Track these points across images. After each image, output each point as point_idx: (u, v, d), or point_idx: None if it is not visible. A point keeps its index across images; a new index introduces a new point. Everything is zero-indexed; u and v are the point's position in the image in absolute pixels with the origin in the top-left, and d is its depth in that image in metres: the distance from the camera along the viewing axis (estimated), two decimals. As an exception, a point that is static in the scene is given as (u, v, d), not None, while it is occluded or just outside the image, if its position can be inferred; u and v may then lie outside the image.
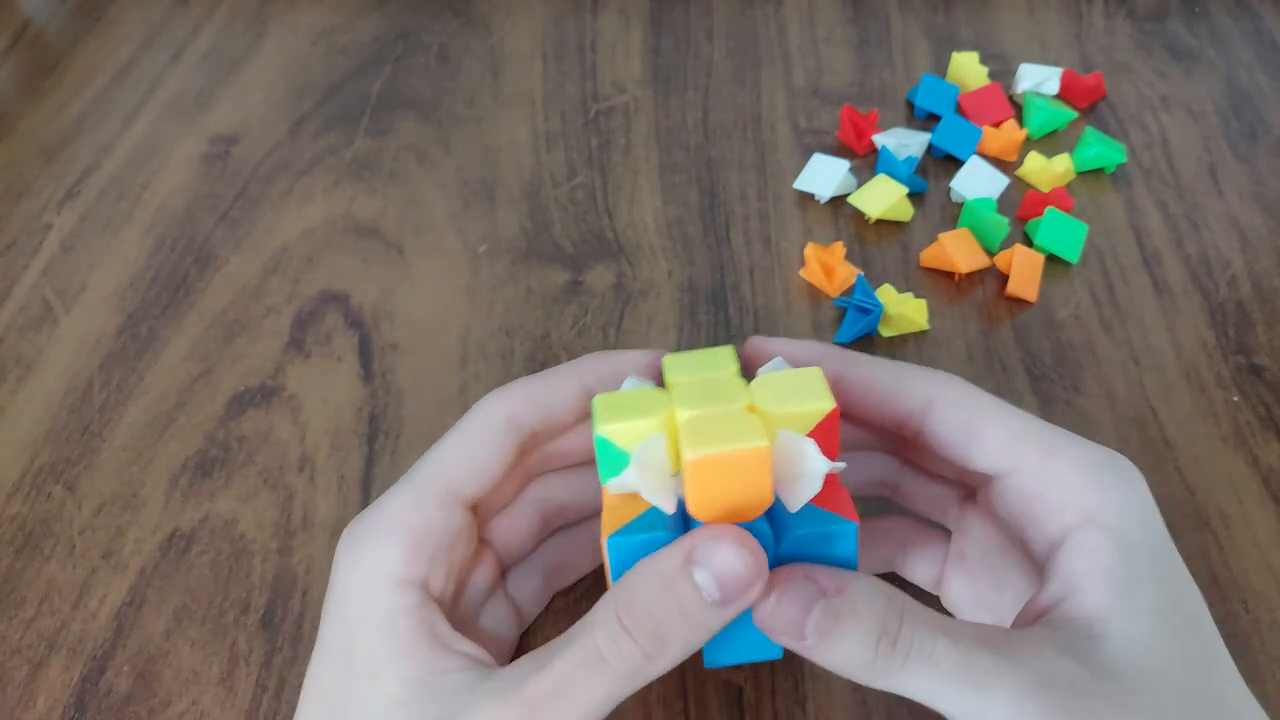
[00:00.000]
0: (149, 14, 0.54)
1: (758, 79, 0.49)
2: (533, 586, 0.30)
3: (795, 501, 0.23)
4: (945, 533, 0.30)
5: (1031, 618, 0.24)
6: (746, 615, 0.23)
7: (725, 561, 0.21)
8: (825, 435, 0.23)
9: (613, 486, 0.24)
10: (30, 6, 0.55)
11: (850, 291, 0.39)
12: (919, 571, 0.30)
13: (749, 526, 0.22)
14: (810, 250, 0.39)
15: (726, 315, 0.39)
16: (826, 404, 0.23)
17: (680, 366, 0.26)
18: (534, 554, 0.30)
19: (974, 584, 0.28)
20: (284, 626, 0.31)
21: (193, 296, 0.41)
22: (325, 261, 0.42)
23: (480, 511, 0.28)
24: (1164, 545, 0.24)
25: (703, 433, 0.22)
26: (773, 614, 0.22)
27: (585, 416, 0.28)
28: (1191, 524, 0.33)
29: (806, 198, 0.43)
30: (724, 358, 0.26)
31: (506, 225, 0.43)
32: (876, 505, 0.31)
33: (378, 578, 0.24)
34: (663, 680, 0.29)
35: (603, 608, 0.22)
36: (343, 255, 0.42)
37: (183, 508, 0.34)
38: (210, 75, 0.50)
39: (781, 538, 0.23)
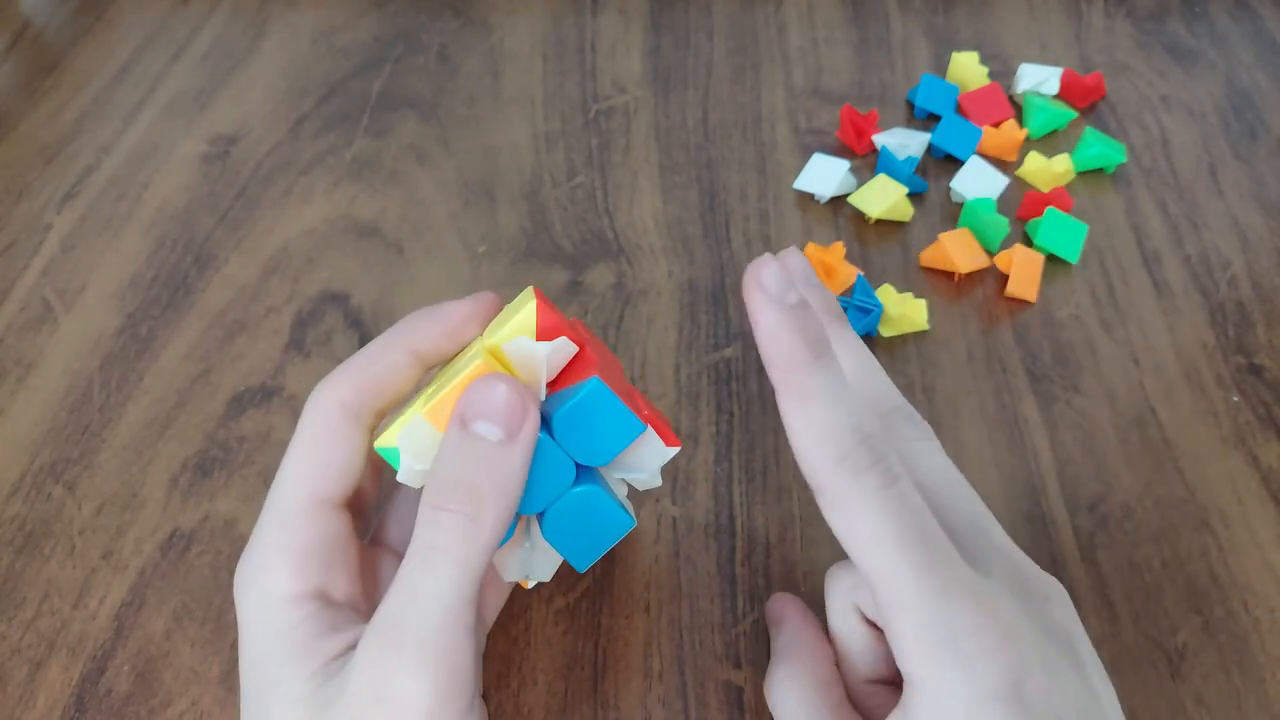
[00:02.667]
0: (149, 14, 0.54)
1: (758, 79, 0.49)
2: (491, 583, 0.29)
3: (543, 391, 0.25)
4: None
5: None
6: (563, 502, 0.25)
7: (489, 400, 0.23)
8: (548, 329, 0.25)
9: (411, 481, 0.25)
10: (30, 6, 0.55)
11: (850, 291, 0.39)
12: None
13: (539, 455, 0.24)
14: (810, 250, 0.39)
15: (726, 315, 0.39)
16: (530, 305, 0.25)
17: (492, 328, 0.27)
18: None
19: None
20: (284, 626, 0.31)
21: (193, 296, 0.41)
22: (325, 261, 0.42)
23: (361, 505, 0.28)
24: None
25: (438, 392, 0.24)
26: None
27: (422, 380, 0.28)
28: (1191, 524, 0.33)
29: (806, 198, 0.43)
30: (523, 299, 0.27)
31: (506, 225, 0.43)
32: None
33: (270, 603, 0.24)
34: (663, 680, 0.30)
35: (420, 505, 0.23)
36: (343, 255, 0.42)
37: (183, 508, 0.34)
38: (210, 75, 0.50)
39: (551, 429, 0.25)
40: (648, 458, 0.26)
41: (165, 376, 0.38)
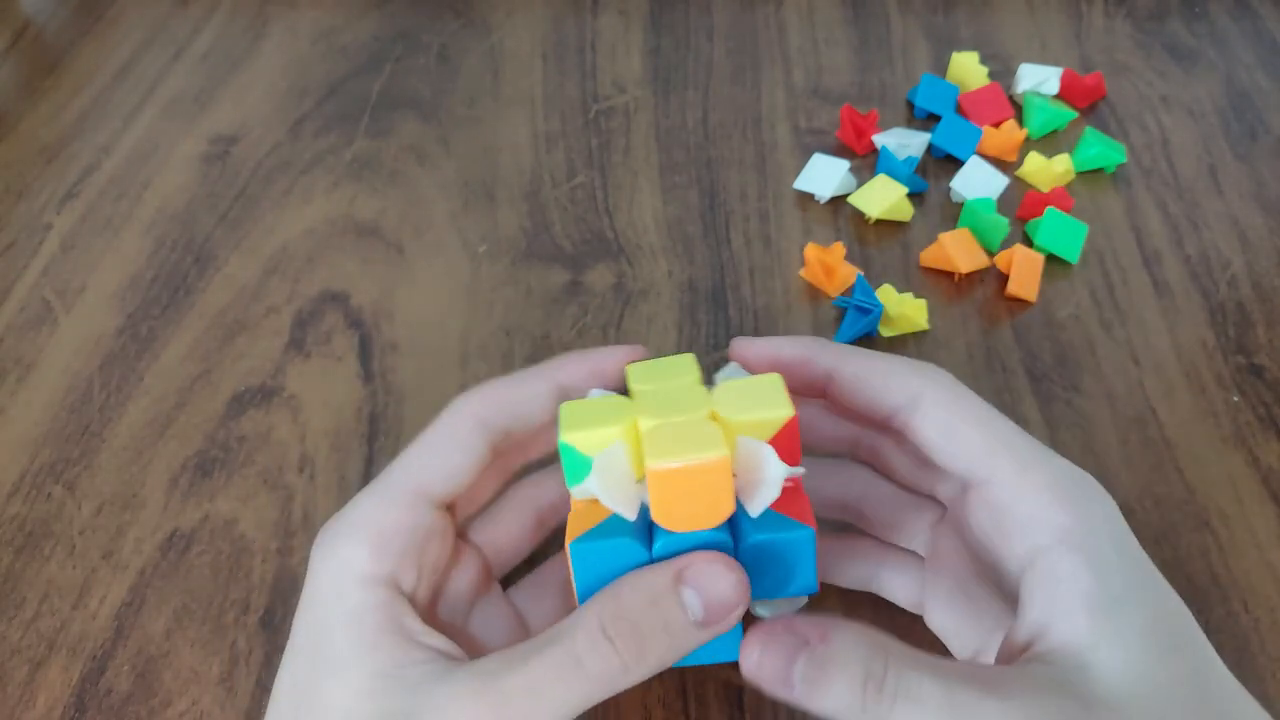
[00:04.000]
0: (149, 14, 0.54)
1: (758, 79, 0.49)
2: (545, 601, 0.29)
3: (755, 507, 0.23)
4: (918, 556, 0.29)
5: (1016, 651, 0.24)
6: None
7: (713, 585, 0.22)
8: (785, 442, 0.24)
9: (576, 492, 0.25)
10: (30, 6, 0.55)
11: (850, 291, 0.39)
12: (898, 591, 0.30)
13: (709, 535, 0.23)
14: (810, 250, 0.39)
15: (726, 315, 0.39)
16: (786, 411, 0.24)
17: (643, 375, 0.27)
18: (545, 567, 0.30)
19: (952, 612, 0.28)
20: (284, 626, 0.31)
21: (193, 296, 0.41)
22: (325, 261, 0.42)
23: (458, 512, 0.28)
24: (1141, 563, 0.24)
25: (664, 442, 0.23)
26: (758, 667, 0.22)
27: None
28: (1191, 524, 0.33)
29: (806, 198, 0.43)
30: (685, 366, 0.27)
31: (506, 225, 0.43)
32: (847, 526, 0.31)
33: (345, 576, 0.24)
34: (663, 680, 0.29)
35: (585, 614, 0.23)
36: (343, 255, 0.42)
37: (183, 508, 0.34)
38: (210, 75, 0.50)
39: (740, 543, 0.24)
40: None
41: (165, 376, 0.38)
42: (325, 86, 0.49)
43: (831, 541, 0.30)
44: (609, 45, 0.51)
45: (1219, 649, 0.30)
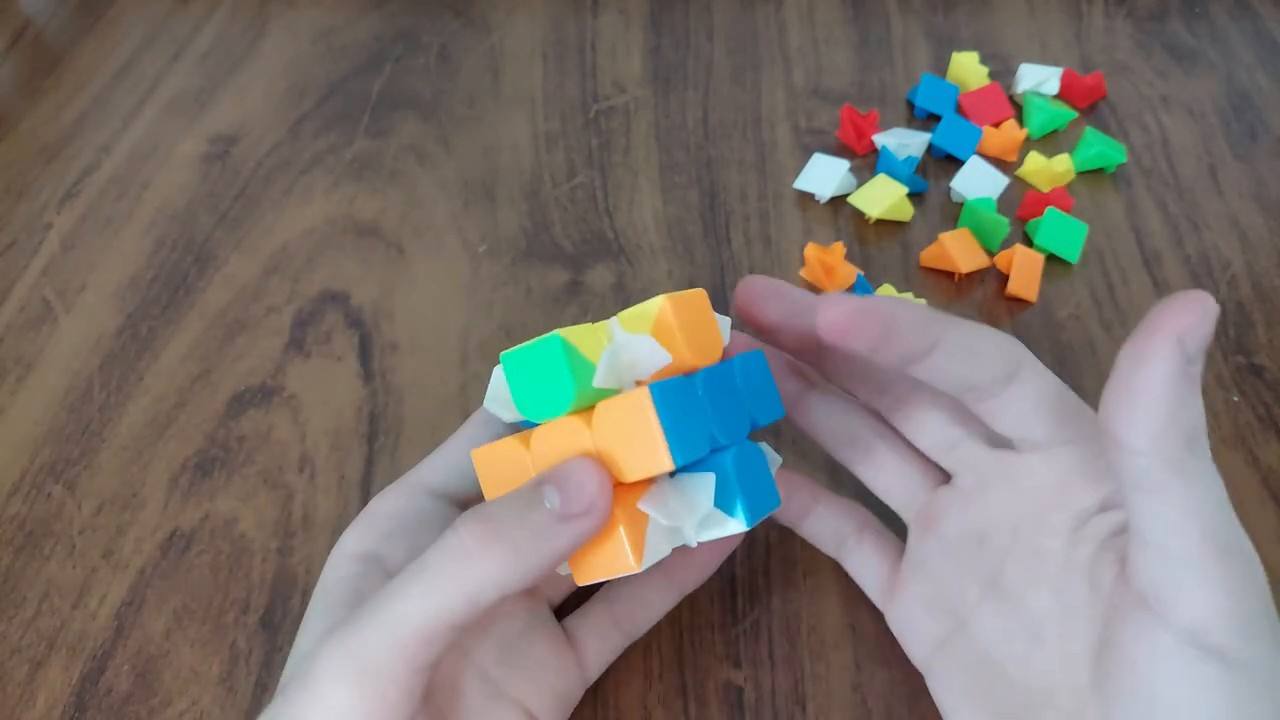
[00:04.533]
0: (149, 14, 0.54)
1: (758, 79, 0.49)
2: (599, 630, 0.29)
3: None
4: (894, 543, 0.29)
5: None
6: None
7: (570, 477, 0.23)
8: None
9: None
10: (30, 6, 0.55)
11: (850, 291, 0.39)
12: (866, 578, 0.30)
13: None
14: (810, 250, 0.39)
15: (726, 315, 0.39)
16: (657, 302, 0.25)
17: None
18: (599, 594, 0.30)
19: (919, 612, 0.27)
20: (284, 626, 0.31)
21: (193, 296, 0.41)
22: (325, 261, 0.42)
23: None
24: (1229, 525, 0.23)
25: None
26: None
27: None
28: (1191, 524, 0.33)
29: (806, 198, 0.43)
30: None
31: (506, 225, 0.43)
32: (844, 488, 0.31)
33: (334, 554, 0.27)
34: (663, 680, 0.30)
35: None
36: (343, 255, 0.42)
37: (183, 507, 0.34)
38: (210, 75, 0.50)
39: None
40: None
41: (165, 376, 0.38)
42: (325, 86, 0.49)
43: (809, 500, 0.31)
44: (609, 45, 0.51)
45: (1219, 649, 0.30)
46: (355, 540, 0.27)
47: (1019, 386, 0.24)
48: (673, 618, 0.31)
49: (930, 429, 0.28)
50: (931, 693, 0.27)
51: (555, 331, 0.24)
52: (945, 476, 0.28)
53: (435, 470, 0.28)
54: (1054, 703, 0.24)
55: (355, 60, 0.51)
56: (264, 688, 0.30)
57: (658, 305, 0.25)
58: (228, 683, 0.30)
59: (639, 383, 0.25)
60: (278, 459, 0.35)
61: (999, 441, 0.26)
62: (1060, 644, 0.24)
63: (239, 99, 0.49)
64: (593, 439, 0.24)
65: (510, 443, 0.25)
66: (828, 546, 0.31)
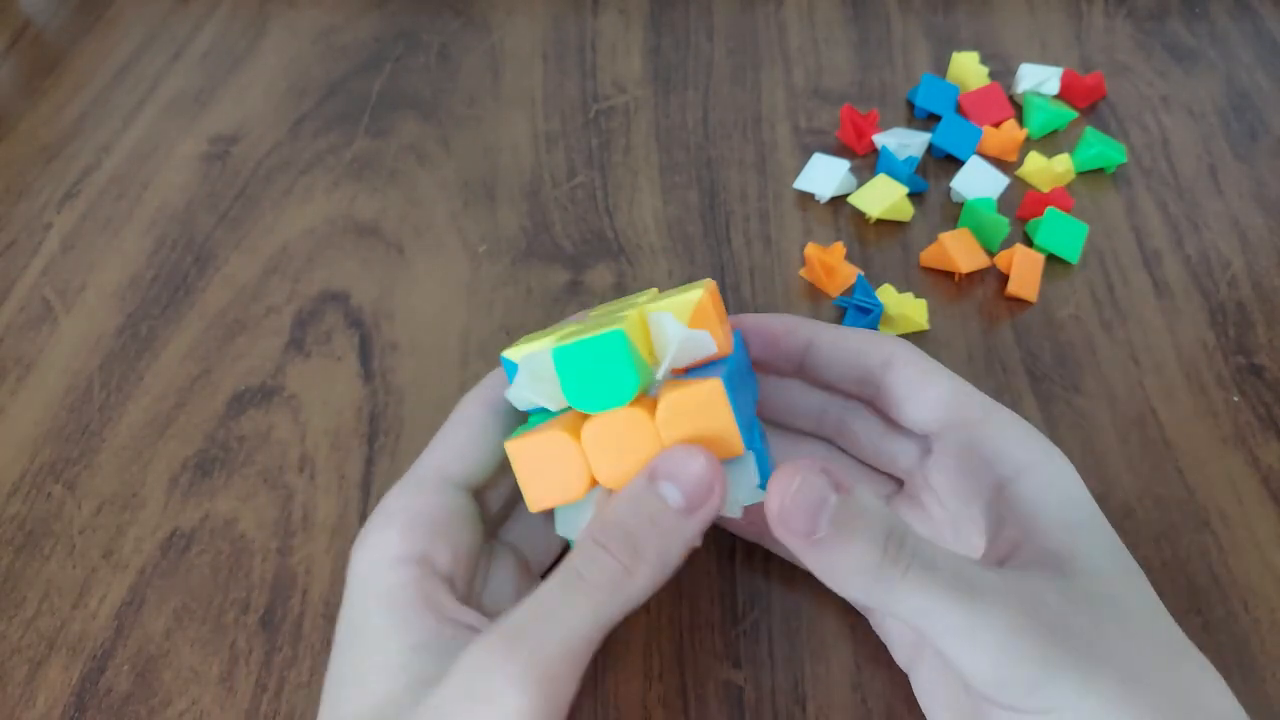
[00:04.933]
0: (149, 14, 0.54)
1: (758, 79, 0.49)
2: None
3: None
4: (895, 481, 0.31)
5: (994, 563, 0.25)
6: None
7: (685, 469, 0.23)
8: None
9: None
10: (30, 6, 0.55)
11: (850, 291, 0.39)
12: None
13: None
14: (810, 250, 0.39)
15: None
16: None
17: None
18: None
19: (926, 523, 0.29)
20: (284, 626, 0.31)
21: (193, 296, 0.41)
22: (325, 261, 0.42)
23: (486, 507, 0.28)
24: (1093, 500, 0.25)
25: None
26: (791, 503, 0.22)
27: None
28: (1191, 524, 0.33)
29: (806, 198, 0.43)
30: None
31: (506, 225, 0.43)
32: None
33: (378, 560, 0.25)
34: (663, 680, 0.30)
35: (582, 534, 0.24)
36: (343, 255, 0.42)
37: (183, 507, 0.34)
38: (210, 75, 0.50)
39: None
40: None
41: (165, 376, 0.38)
42: (325, 86, 0.49)
43: None
44: (609, 45, 0.51)
45: (1219, 649, 0.30)
46: (398, 543, 0.25)
47: (894, 374, 0.27)
48: (673, 618, 0.31)
49: (864, 442, 0.30)
50: (915, 693, 0.28)
51: (618, 327, 0.24)
52: (899, 483, 0.30)
53: (452, 460, 0.27)
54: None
55: (355, 60, 0.51)
56: (264, 687, 0.30)
57: (697, 296, 0.25)
58: (228, 683, 0.30)
59: (675, 370, 0.26)
60: (278, 459, 0.35)
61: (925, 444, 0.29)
62: None
63: (239, 99, 0.49)
64: (659, 430, 0.24)
65: (553, 435, 0.24)
66: (742, 528, 0.32)
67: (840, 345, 0.29)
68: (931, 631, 0.22)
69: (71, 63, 0.52)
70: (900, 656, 0.28)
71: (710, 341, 0.25)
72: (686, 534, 0.23)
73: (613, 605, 0.22)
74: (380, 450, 0.35)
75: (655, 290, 0.29)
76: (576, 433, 0.24)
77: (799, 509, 0.22)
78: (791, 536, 0.22)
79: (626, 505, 0.23)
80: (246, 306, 0.40)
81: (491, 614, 0.27)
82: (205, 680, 0.30)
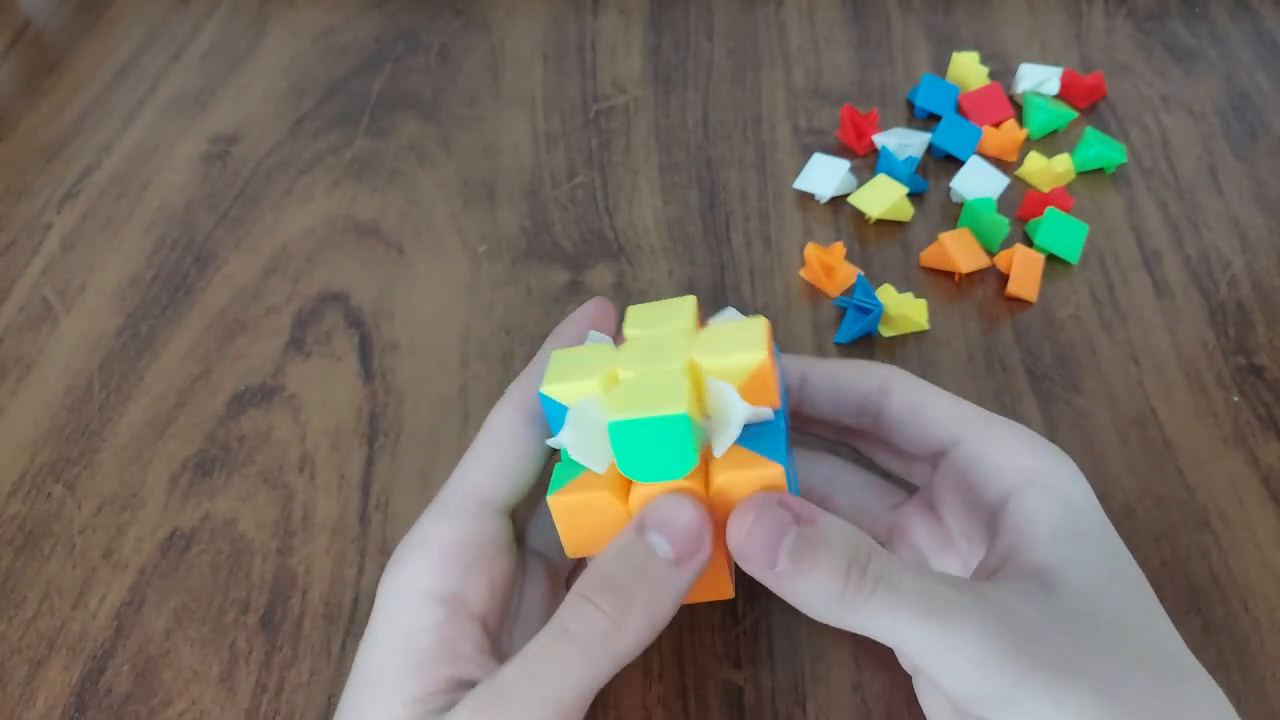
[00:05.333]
0: (149, 14, 0.54)
1: (758, 79, 0.49)
2: None
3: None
4: (904, 491, 0.31)
5: (985, 574, 0.25)
6: None
7: (674, 519, 0.23)
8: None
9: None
10: (30, 6, 0.55)
11: (850, 291, 0.39)
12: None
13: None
14: (810, 250, 0.39)
15: (726, 315, 0.39)
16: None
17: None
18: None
19: (939, 530, 0.29)
20: (284, 626, 0.31)
21: (193, 296, 0.41)
22: (325, 261, 0.42)
23: (521, 516, 0.28)
24: (1099, 511, 0.25)
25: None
26: (746, 540, 0.22)
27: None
28: (1191, 524, 0.33)
29: (806, 198, 0.43)
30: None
31: (506, 225, 0.43)
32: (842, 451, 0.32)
33: (404, 594, 0.24)
34: (663, 680, 0.29)
35: (571, 589, 0.23)
36: (343, 255, 0.42)
37: (183, 507, 0.34)
38: (210, 75, 0.50)
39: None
40: None
41: (165, 376, 0.38)
42: (325, 86, 0.49)
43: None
44: (609, 45, 0.51)
45: (1219, 649, 0.30)
46: (428, 578, 0.24)
47: (891, 398, 0.27)
48: (673, 618, 0.31)
49: (880, 456, 0.30)
50: (917, 694, 0.28)
51: (681, 410, 0.22)
52: (911, 489, 0.30)
53: (490, 480, 0.26)
54: None
55: (355, 60, 0.51)
56: (264, 688, 0.30)
57: (757, 360, 0.24)
58: (228, 683, 0.30)
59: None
60: (278, 459, 0.35)
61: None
62: None
63: (239, 99, 0.49)
64: (710, 504, 0.24)
65: (601, 497, 0.24)
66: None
67: (834, 377, 0.28)
68: (905, 650, 0.22)
69: (71, 63, 0.52)
70: (905, 660, 0.28)
71: (770, 413, 0.24)
72: (676, 586, 0.23)
73: (603, 661, 0.22)
74: (380, 450, 0.35)
75: (694, 301, 0.27)
76: (622, 492, 0.24)
77: (755, 544, 0.22)
78: (753, 570, 0.22)
79: (615, 557, 0.23)
80: (246, 306, 0.40)
81: (523, 641, 0.26)
82: (205, 680, 0.30)
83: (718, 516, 0.24)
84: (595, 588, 0.22)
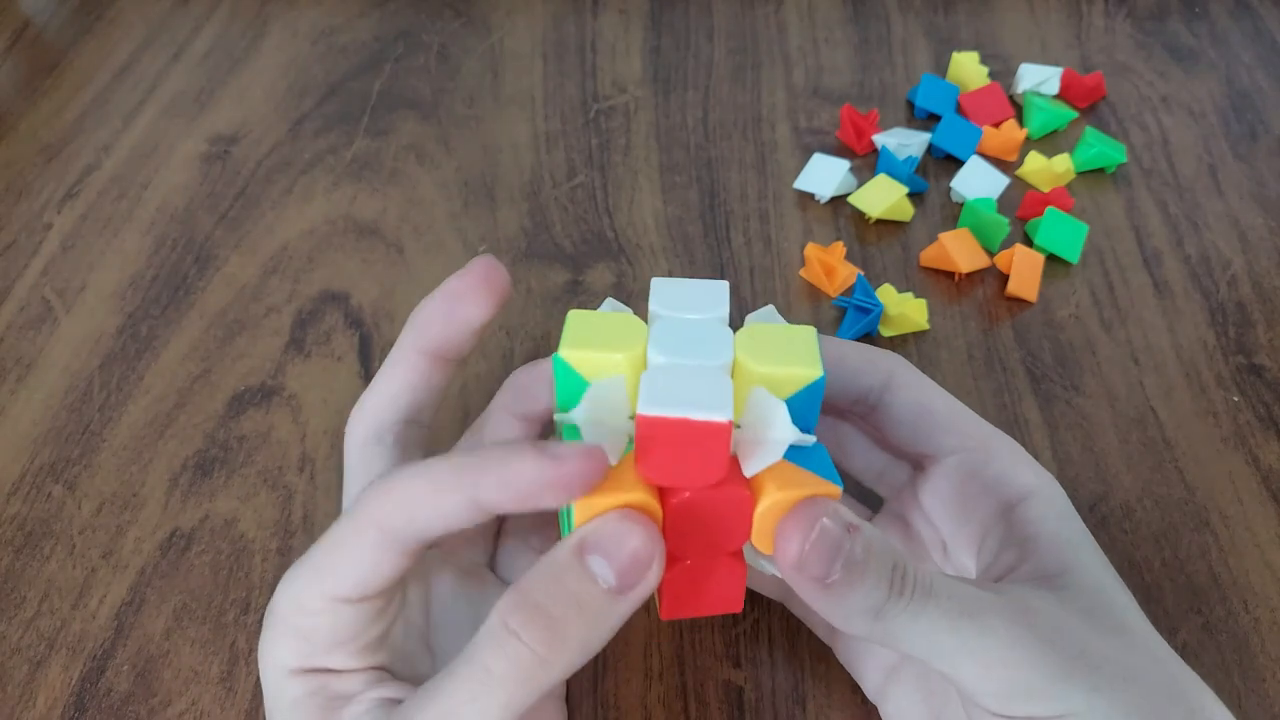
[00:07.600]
0: (149, 14, 0.54)
1: (758, 79, 0.49)
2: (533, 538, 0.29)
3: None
4: (867, 508, 0.31)
5: (993, 578, 0.25)
6: None
7: (620, 545, 0.20)
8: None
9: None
10: (30, 6, 0.55)
11: (850, 291, 0.39)
12: (808, 610, 0.30)
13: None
14: (810, 250, 0.39)
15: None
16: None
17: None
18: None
19: (909, 542, 0.28)
20: (284, 626, 0.31)
21: (193, 296, 0.41)
22: (325, 261, 0.42)
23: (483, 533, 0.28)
24: (1083, 524, 0.26)
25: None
26: (811, 551, 0.20)
27: (483, 526, 0.26)
28: (1191, 524, 0.33)
29: (806, 198, 0.43)
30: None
31: (506, 225, 0.43)
32: None
33: (280, 670, 0.23)
34: (663, 680, 0.29)
35: (492, 613, 0.20)
36: (343, 255, 0.42)
37: (183, 507, 0.34)
38: (210, 75, 0.50)
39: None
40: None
41: (165, 376, 0.38)
42: (325, 86, 0.49)
43: None
44: (609, 45, 0.51)
45: (1219, 649, 0.30)
46: (291, 659, 0.23)
47: (894, 395, 0.27)
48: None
49: (854, 458, 0.30)
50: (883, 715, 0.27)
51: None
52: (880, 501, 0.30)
53: (339, 580, 0.22)
54: None
55: (355, 60, 0.51)
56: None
57: (809, 378, 0.22)
58: (228, 683, 0.30)
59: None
60: (278, 459, 0.35)
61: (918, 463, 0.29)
62: None
63: (239, 99, 0.49)
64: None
65: (632, 499, 0.21)
66: (767, 587, 0.30)
67: (840, 363, 0.27)
68: (933, 654, 0.21)
69: (71, 63, 0.52)
70: (871, 687, 0.28)
71: (812, 439, 0.22)
72: (615, 617, 0.20)
73: (526, 696, 0.20)
74: (380, 450, 0.35)
75: (725, 285, 0.24)
76: (639, 491, 0.21)
77: (818, 556, 0.20)
78: (807, 582, 0.21)
79: (546, 583, 0.20)
80: (246, 306, 0.40)
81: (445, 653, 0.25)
82: (205, 680, 0.30)
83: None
84: (521, 618, 0.20)
